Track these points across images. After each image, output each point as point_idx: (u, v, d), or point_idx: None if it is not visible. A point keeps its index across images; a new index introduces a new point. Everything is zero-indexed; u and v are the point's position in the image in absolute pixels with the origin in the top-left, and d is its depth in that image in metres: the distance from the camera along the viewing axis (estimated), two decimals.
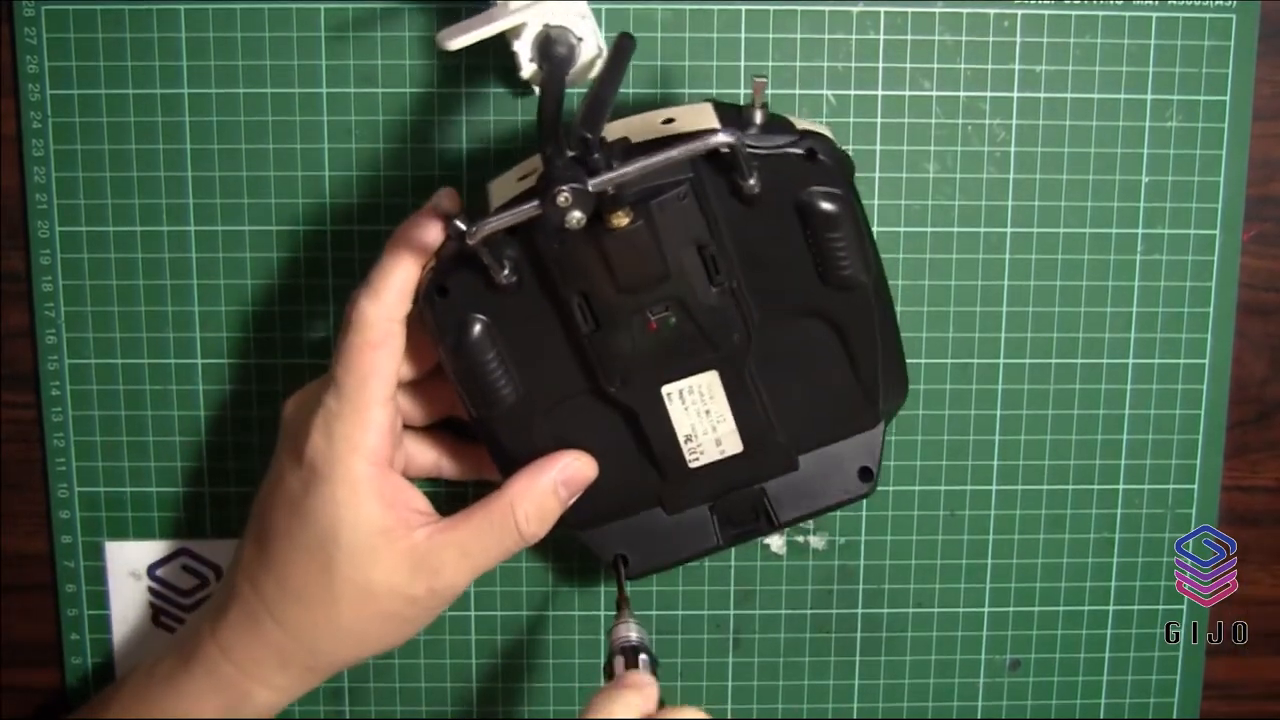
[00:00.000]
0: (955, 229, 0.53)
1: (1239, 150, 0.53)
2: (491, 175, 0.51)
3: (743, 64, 0.52)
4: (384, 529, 0.46)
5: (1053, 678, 0.57)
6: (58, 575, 0.55)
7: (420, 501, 0.48)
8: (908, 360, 0.52)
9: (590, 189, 0.40)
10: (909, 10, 0.52)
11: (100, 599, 0.56)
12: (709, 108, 0.46)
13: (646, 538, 0.51)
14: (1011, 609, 0.56)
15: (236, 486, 0.55)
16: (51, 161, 0.52)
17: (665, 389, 0.47)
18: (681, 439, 0.48)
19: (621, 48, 0.43)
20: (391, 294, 0.45)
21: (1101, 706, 0.58)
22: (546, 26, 0.45)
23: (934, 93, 0.52)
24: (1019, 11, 0.52)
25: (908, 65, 0.52)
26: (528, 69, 0.46)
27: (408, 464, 0.51)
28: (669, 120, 0.45)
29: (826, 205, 0.44)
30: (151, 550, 0.55)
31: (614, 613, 0.50)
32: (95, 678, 0.56)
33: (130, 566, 0.55)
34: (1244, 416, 0.56)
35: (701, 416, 0.48)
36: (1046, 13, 0.52)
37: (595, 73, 0.47)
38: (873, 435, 0.50)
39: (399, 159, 0.52)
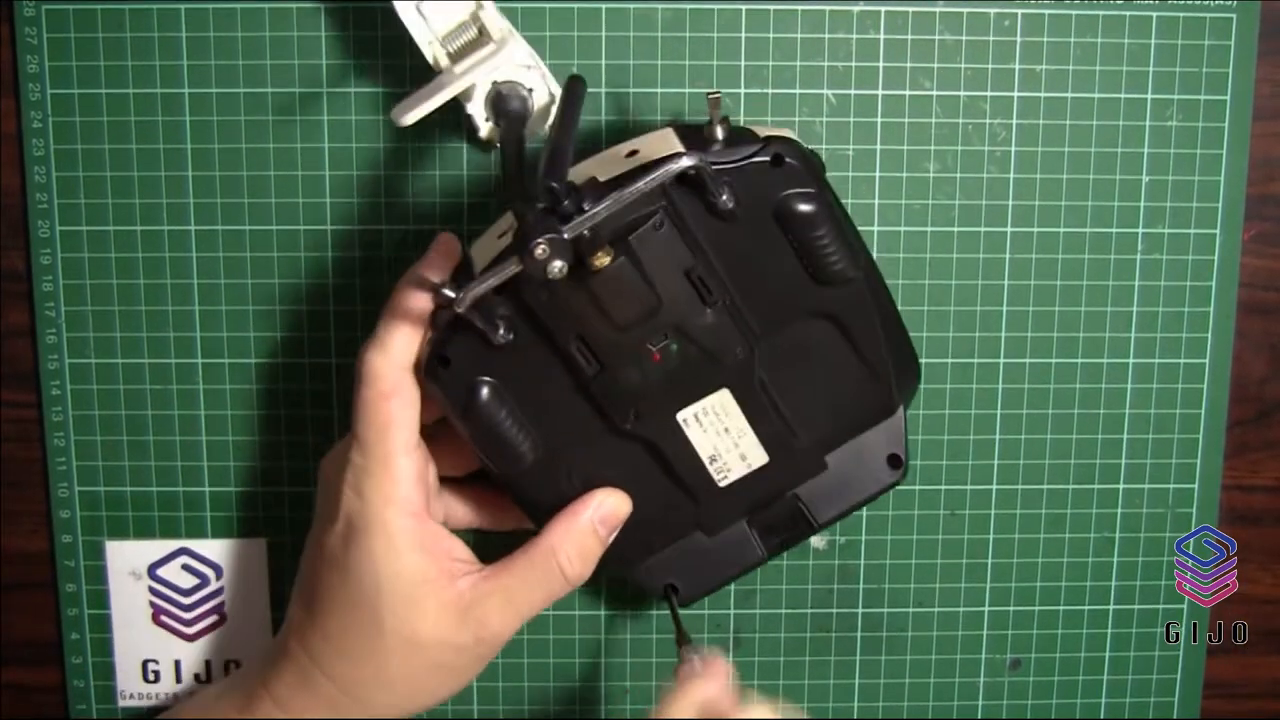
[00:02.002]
0: (956, 228, 0.53)
1: (1239, 149, 0.53)
2: (492, 178, 0.51)
3: (743, 63, 0.52)
4: (426, 579, 0.46)
5: (1053, 677, 0.57)
6: (58, 574, 0.55)
7: (461, 550, 0.47)
8: None
9: (566, 236, 0.40)
10: (909, 10, 0.52)
11: (101, 598, 0.56)
12: (670, 133, 0.46)
13: (692, 563, 0.51)
14: (1012, 608, 0.56)
15: (237, 486, 0.55)
16: (52, 161, 0.52)
17: (680, 415, 0.47)
18: (706, 460, 0.48)
19: (572, 92, 0.43)
20: (397, 345, 0.45)
21: (1102, 706, 0.58)
22: (496, 84, 0.46)
23: (934, 92, 0.52)
24: (1019, 11, 0.52)
25: (908, 64, 0.52)
26: (485, 129, 0.46)
27: (446, 518, 0.51)
28: (633, 152, 0.45)
29: (803, 207, 0.44)
30: (152, 550, 0.55)
31: (614, 612, 0.50)
32: (96, 677, 0.56)
33: (130, 566, 0.55)
34: (1244, 416, 0.56)
35: (721, 435, 0.48)
36: (1047, 12, 0.52)
37: (551, 119, 0.47)
38: (894, 422, 0.50)
39: (399, 158, 0.52)
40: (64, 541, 0.55)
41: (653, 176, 0.41)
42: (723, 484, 0.49)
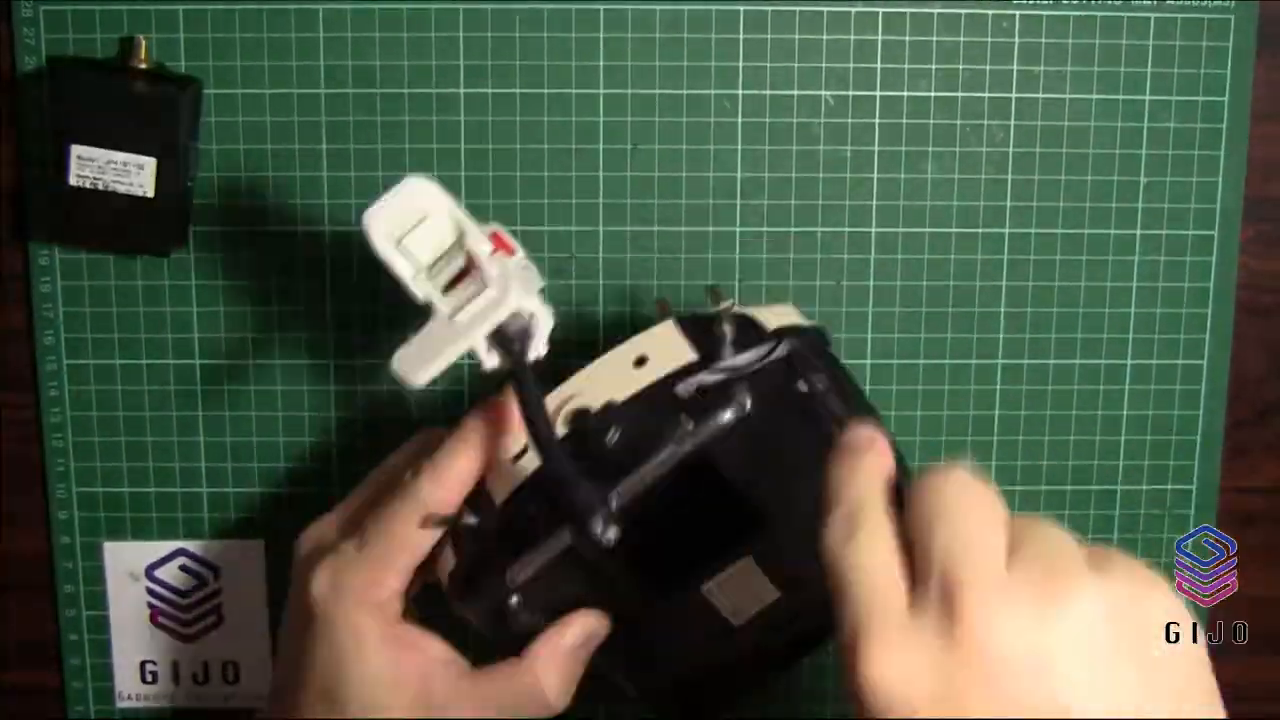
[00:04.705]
0: (953, 230, 0.53)
1: (1237, 151, 0.53)
2: (494, 176, 0.51)
3: (741, 64, 0.52)
4: (394, 681, 0.44)
5: None
6: (56, 576, 0.55)
7: (438, 649, 0.45)
8: (908, 362, 0.52)
9: (614, 507, 0.40)
10: (907, 11, 0.52)
11: (98, 599, 0.56)
12: (674, 331, 0.44)
13: (718, 684, 0.50)
14: None
15: (234, 487, 0.55)
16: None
17: (705, 588, 0.45)
18: (728, 615, 0.46)
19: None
20: (454, 485, 0.44)
21: None
22: None
23: (932, 93, 0.52)
24: (1017, 12, 0.52)
25: (906, 66, 0.52)
26: (491, 362, 0.42)
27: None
28: (641, 360, 0.44)
29: (814, 388, 0.43)
30: (150, 551, 0.55)
31: None
32: (94, 678, 0.56)
33: (128, 567, 0.55)
34: (1242, 417, 0.56)
35: (743, 592, 0.46)
36: (1045, 14, 0.52)
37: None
38: None
39: (397, 159, 0.52)
40: (62, 542, 0.55)
41: (697, 431, 0.41)
42: (738, 623, 0.47)
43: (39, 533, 0.55)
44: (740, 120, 0.52)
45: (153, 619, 0.56)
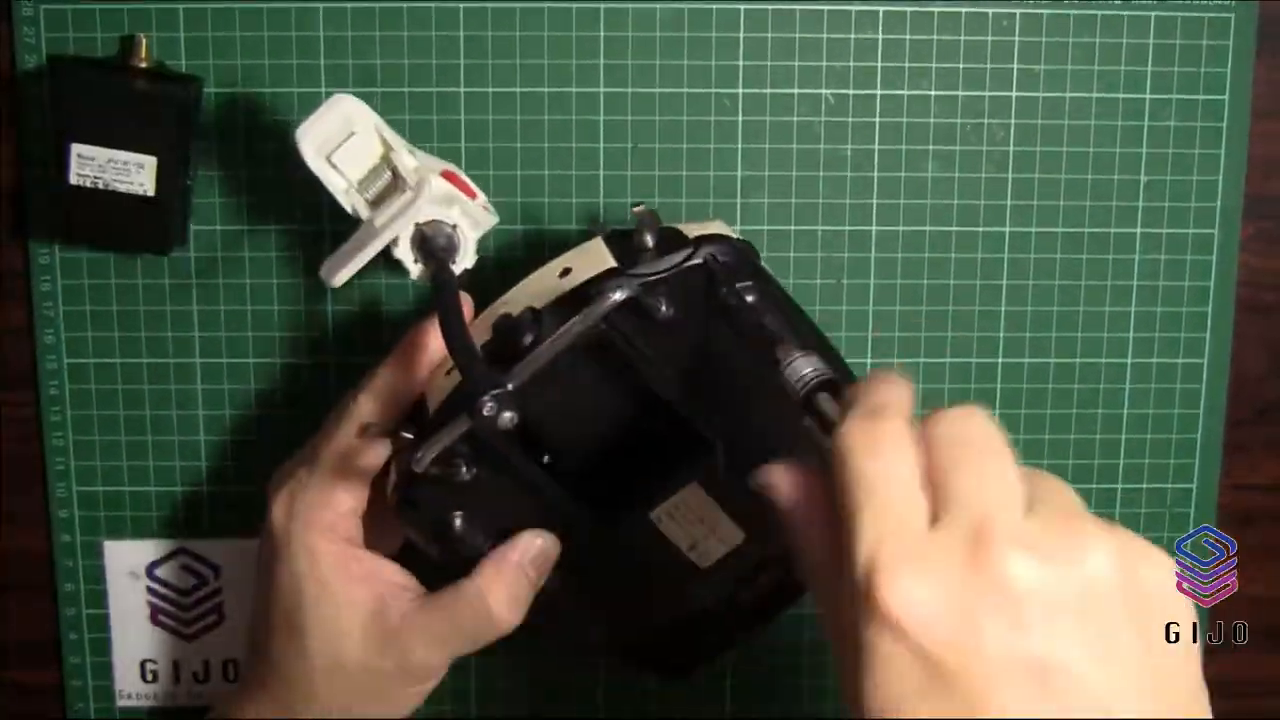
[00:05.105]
0: (954, 228, 0.53)
1: (1237, 149, 0.53)
2: (495, 175, 0.51)
3: (741, 63, 0.52)
4: (349, 602, 0.45)
5: None
6: (56, 574, 0.55)
7: (396, 574, 0.47)
8: (909, 360, 0.53)
9: (510, 388, 0.40)
10: (907, 10, 0.52)
11: (99, 598, 0.56)
12: (600, 245, 0.45)
13: (689, 639, 0.50)
14: None
15: (235, 486, 0.55)
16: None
17: (653, 514, 0.46)
18: (685, 549, 0.47)
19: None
20: (387, 395, 0.47)
21: None
22: (419, 226, 0.46)
23: (932, 92, 0.52)
24: (1017, 11, 0.52)
25: (906, 64, 0.52)
26: (415, 270, 0.47)
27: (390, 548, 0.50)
28: (566, 271, 0.45)
29: (743, 300, 0.43)
30: (150, 549, 0.55)
31: None
32: (94, 677, 0.56)
33: (129, 565, 0.55)
34: (1242, 415, 0.56)
35: (696, 524, 0.46)
36: (1045, 12, 0.52)
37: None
38: None
39: None
40: (62, 541, 0.55)
41: (589, 313, 0.41)
42: (704, 565, 0.47)
43: (39, 531, 0.55)
44: (741, 119, 0.52)
45: (153, 617, 0.56)
